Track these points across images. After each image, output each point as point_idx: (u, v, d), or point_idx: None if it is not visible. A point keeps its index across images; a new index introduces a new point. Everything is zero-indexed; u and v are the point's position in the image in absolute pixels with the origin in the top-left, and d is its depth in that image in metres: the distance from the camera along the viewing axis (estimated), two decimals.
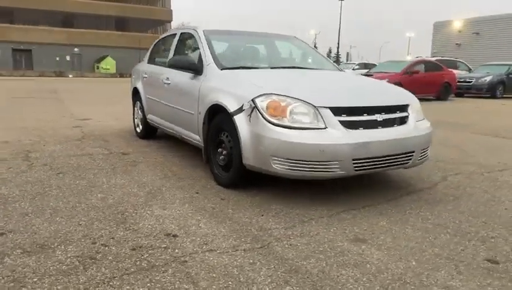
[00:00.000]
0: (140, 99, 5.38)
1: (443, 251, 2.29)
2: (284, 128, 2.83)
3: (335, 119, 2.88)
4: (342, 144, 2.80)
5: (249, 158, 3.01)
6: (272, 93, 2.96)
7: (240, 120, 3.05)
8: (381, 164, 3.00)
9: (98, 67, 44.56)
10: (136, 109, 5.67)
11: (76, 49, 43.88)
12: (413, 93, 3.61)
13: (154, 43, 5.58)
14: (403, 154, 3.08)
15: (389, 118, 3.10)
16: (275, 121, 2.86)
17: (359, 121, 2.97)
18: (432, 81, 14.56)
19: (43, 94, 13.57)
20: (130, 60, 43.78)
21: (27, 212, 2.70)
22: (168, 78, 4.38)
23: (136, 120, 5.71)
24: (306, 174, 2.85)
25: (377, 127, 3.01)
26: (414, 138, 3.13)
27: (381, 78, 13.39)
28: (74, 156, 4.38)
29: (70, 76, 36.45)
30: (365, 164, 2.92)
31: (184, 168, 3.97)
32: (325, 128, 2.85)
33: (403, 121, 3.20)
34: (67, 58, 43.98)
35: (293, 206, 2.94)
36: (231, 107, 3.15)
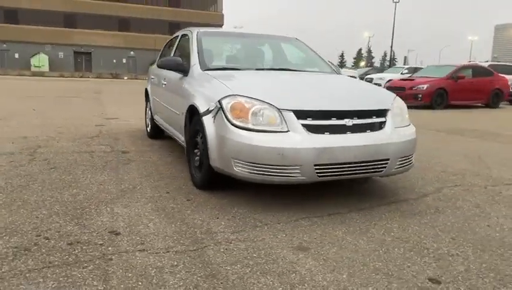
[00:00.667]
0: (149, 100, 5.53)
1: (385, 266, 2.14)
2: (245, 131, 2.78)
3: (298, 123, 2.78)
4: (302, 148, 2.70)
5: (215, 160, 2.98)
6: (237, 95, 2.92)
7: (207, 121, 3.05)
8: (348, 170, 2.86)
9: None
10: (146, 109, 5.84)
11: (132, 52, 46.03)
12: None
13: (164, 45, 5.71)
14: (374, 161, 2.92)
15: (360, 123, 2.95)
16: (238, 123, 2.81)
17: (325, 125, 2.84)
18: (480, 88, 13.66)
19: (89, 94, 14.34)
20: None
21: None
22: (165, 78, 4.46)
23: (147, 120, 5.88)
24: (266, 178, 2.77)
25: (345, 132, 2.87)
26: (389, 145, 2.95)
27: (422, 83, 12.87)
28: (77, 153, 4.58)
29: (125, 78, 38.26)
30: (329, 170, 2.79)
31: (172, 169, 4.02)
32: (287, 131, 2.77)
33: (378, 126, 3.03)
34: (124, 60, 46.26)
35: (256, 211, 2.88)
36: (202, 108, 3.15)
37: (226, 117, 2.87)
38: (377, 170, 2.98)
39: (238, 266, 2.08)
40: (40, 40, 41.74)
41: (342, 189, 3.49)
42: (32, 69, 39.89)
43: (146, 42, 45.25)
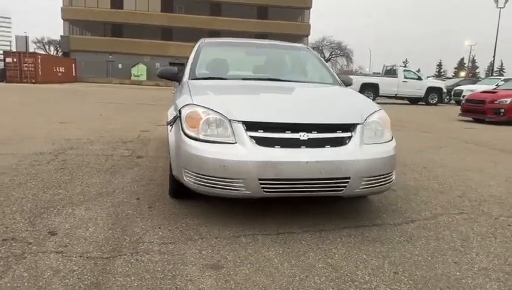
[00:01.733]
0: None
1: None
2: (194, 141, 2.74)
3: (246, 135, 2.66)
4: (244, 160, 2.58)
5: (174, 169, 2.99)
6: (195, 104, 2.90)
7: (169, 130, 3.06)
8: (299, 188, 2.65)
9: None
10: None
11: None
12: None
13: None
14: (331, 179, 2.67)
15: (318, 138, 2.72)
16: (189, 133, 2.78)
17: (276, 138, 2.68)
18: None
19: (164, 102, 15.28)
20: None
21: None
22: (174, 87, 4.59)
23: None
24: (211, 190, 2.70)
25: (299, 146, 2.67)
26: (350, 162, 2.67)
27: (505, 96, 11.46)
28: (96, 155, 4.91)
29: None
30: (276, 186, 2.62)
31: (167, 176, 4.10)
32: (234, 143, 2.66)
33: (341, 142, 2.77)
34: None
35: (206, 223, 2.81)
36: (170, 117, 3.18)
37: (182, 126, 2.85)
38: (335, 189, 2.72)
39: (132, 278, 2.04)
40: (140, 51, 45.64)
41: (322, 206, 3.26)
42: (132, 78, 43.75)
43: None
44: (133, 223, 2.77)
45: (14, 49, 43.11)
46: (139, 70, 45.22)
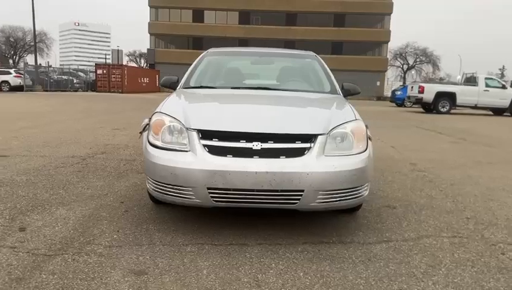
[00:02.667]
0: None
1: None
2: (153, 148, 2.80)
3: (199, 143, 2.66)
4: (192, 168, 2.58)
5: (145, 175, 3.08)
6: (160, 112, 2.97)
7: (140, 137, 3.17)
8: (249, 198, 2.58)
9: None
10: None
11: None
12: None
13: None
14: (283, 191, 2.56)
15: (272, 148, 2.62)
16: (152, 140, 2.86)
17: (229, 147, 2.64)
18: None
19: None
20: (338, 82, 45.34)
21: None
22: None
23: None
24: (165, 197, 2.74)
25: (251, 156, 2.60)
26: (303, 175, 2.54)
27: None
28: (120, 160, 5.21)
29: None
30: (225, 196, 2.58)
31: None
32: (187, 151, 2.68)
33: (299, 153, 2.64)
34: None
35: (168, 230, 2.86)
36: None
37: (148, 134, 2.94)
38: (288, 202, 2.60)
39: (55, 276, 2.15)
40: None
41: (296, 218, 3.12)
42: None
43: None
44: (97, 225, 2.90)
45: (110, 62, 47.43)
46: None
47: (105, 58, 65.30)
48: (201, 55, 4.31)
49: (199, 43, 49.16)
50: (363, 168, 2.73)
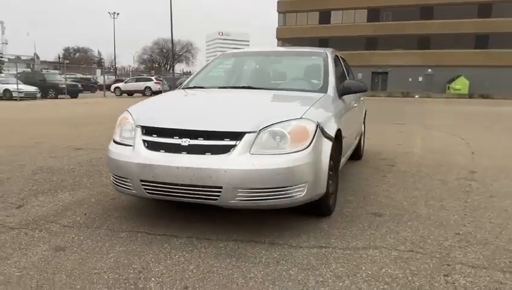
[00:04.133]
0: None
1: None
2: (112, 143, 3.11)
3: (140, 138, 2.88)
4: (128, 161, 2.81)
5: None
6: (127, 110, 3.25)
7: None
8: (175, 192, 2.69)
9: (448, 88, 43.45)
10: None
11: (429, 70, 44.48)
12: None
13: None
14: (204, 187, 2.61)
15: (199, 144, 2.68)
16: (113, 136, 3.16)
17: (162, 143, 2.78)
18: None
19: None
20: (484, 79, 40.20)
21: None
22: None
23: None
24: (118, 188, 3.02)
25: (180, 152, 2.71)
26: (220, 171, 2.54)
27: None
28: None
29: (416, 96, 37.57)
30: (155, 189, 2.74)
31: None
32: (132, 145, 2.92)
33: (225, 150, 2.64)
34: (420, 79, 45.30)
35: (129, 219, 3.11)
36: None
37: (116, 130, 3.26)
38: (209, 197, 2.63)
39: None
40: None
41: (250, 217, 3.09)
42: None
43: (443, 58, 42.80)
44: (76, 208, 3.34)
45: None
46: None
47: None
48: (211, 59, 4.51)
49: (325, 44, 48.99)
50: (291, 168, 2.60)
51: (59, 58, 71.26)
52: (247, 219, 3.08)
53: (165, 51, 74.82)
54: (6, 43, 76.08)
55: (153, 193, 2.78)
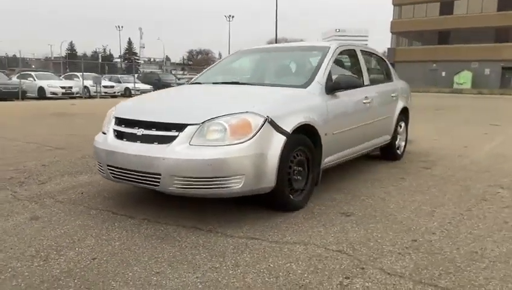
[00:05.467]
0: None
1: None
2: (100, 133, 3.51)
3: (112, 128, 3.22)
4: (99, 148, 3.19)
5: None
6: (117, 104, 3.63)
7: None
8: (129, 177, 2.97)
9: None
10: None
11: None
12: None
13: None
14: (145, 173, 2.84)
15: (150, 134, 2.92)
16: (102, 127, 3.56)
17: (125, 132, 3.09)
18: None
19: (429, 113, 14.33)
20: None
21: None
22: None
23: None
24: (98, 172, 3.41)
25: (136, 141, 2.98)
26: (159, 159, 2.74)
27: None
28: None
29: None
30: (117, 173, 3.06)
31: None
32: (106, 134, 3.28)
33: (169, 140, 2.83)
34: None
35: (107, 198, 3.51)
36: None
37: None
38: (152, 183, 2.85)
39: None
40: (467, 57, 42.11)
41: (216, 208, 3.22)
42: (454, 86, 41.17)
43: None
44: (81, 188, 3.83)
45: None
46: (463, 78, 41.99)
47: None
48: (225, 56, 4.70)
49: (446, 38, 44.96)
50: (222, 159, 2.68)
51: (183, 60, 78.06)
52: (213, 208, 3.19)
53: None
54: (143, 47, 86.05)
55: (116, 177, 3.10)
